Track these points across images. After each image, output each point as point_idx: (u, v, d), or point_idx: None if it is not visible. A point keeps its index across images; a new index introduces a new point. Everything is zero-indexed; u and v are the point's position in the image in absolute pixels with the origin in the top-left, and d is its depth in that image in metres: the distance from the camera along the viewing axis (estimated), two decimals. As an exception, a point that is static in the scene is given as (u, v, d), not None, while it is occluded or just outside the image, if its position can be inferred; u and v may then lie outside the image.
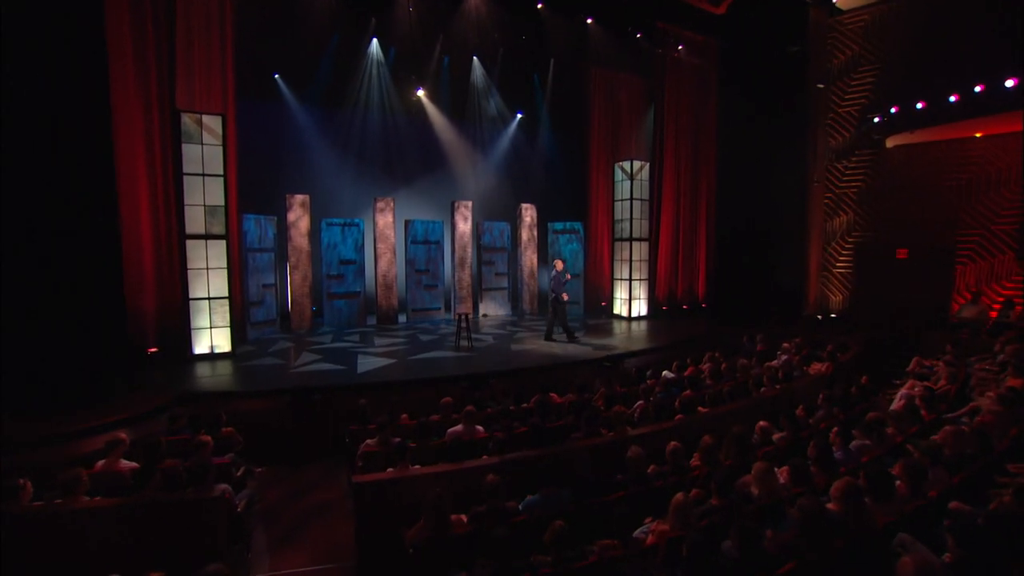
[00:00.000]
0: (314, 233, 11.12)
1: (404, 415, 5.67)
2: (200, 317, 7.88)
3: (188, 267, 7.71)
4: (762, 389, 6.43)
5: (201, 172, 7.74)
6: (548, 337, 9.62)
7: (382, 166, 12.85)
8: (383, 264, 11.61)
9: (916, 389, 6.75)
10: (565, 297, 9.48)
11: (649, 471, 4.10)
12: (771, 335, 9.43)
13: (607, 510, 3.61)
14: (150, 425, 5.15)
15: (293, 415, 5.92)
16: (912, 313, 10.65)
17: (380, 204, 11.55)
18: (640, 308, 12.61)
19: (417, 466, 4.26)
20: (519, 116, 14.40)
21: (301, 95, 11.72)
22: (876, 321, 10.93)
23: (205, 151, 7.75)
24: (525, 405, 6.17)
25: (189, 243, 7.71)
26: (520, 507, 3.57)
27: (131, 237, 7.15)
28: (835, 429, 4.24)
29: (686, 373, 7.45)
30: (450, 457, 4.62)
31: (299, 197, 10.76)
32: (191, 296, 7.77)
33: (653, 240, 13.03)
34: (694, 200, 13.67)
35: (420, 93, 12.84)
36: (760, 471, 3.57)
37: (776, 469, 4.01)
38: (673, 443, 4.21)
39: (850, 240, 11.95)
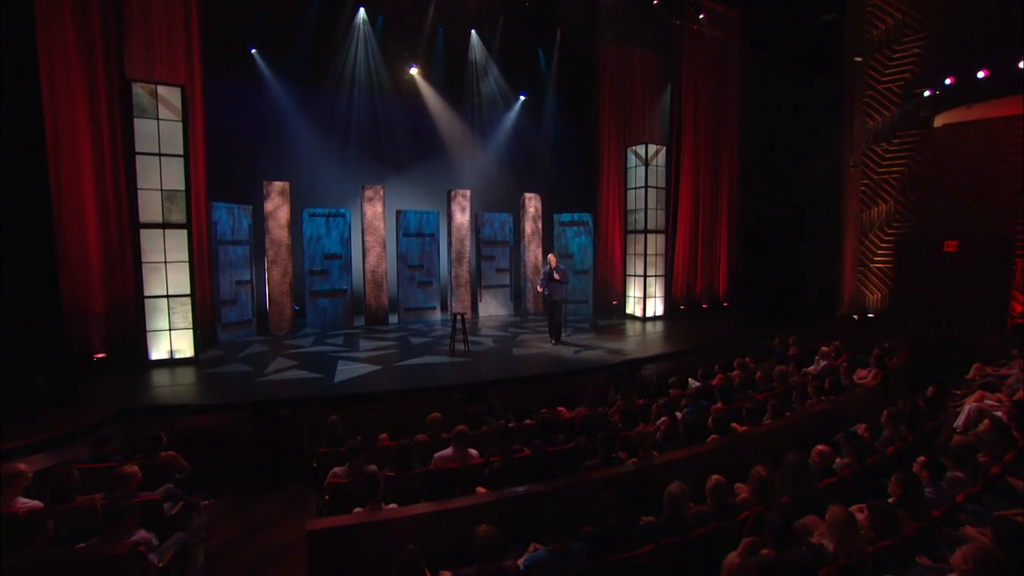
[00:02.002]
0: (295, 224, 10.48)
1: (384, 435, 4.96)
2: (157, 318, 7.18)
3: (143, 260, 7.01)
4: (808, 402, 5.68)
5: (157, 151, 7.02)
6: (558, 339, 9.04)
7: (371, 151, 12.16)
8: (372, 259, 10.95)
9: (988, 402, 6.03)
10: (539, 288, 9.13)
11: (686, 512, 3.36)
12: (804, 337, 8.72)
13: (635, 571, 2.88)
14: (76, 449, 4.44)
15: (254, 433, 5.20)
16: (964, 313, 9.90)
17: (368, 192, 10.88)
18: (656, 307, 11.90)
19: (393, 505, 3.54)
20: (522, 98, 13.65)
21: (280, 71, 11.03)
22: (920, 322, 10.19)
23: (162, 127, 7.03)
24: (528, 421, 5.47)
25: (144, 233, 7.00)
26: (521, 566, 2.84)
27: (73, 224, 6.45)
28: (921, 459, 3.48)
29: (714, 382, 6.75)
30: (435, 492, 3.90)
31: (278, 184, 10.12)
32: (146, 294, 7.07)
33: (670, 232, 12.30)
34: (714, 188, 12.93)
35: (413, 71, 12.11)
36: (838, 520, 2.83)
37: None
38: (715, 477, 3.47)
39: (890, 231, 11.17)
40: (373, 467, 4.06)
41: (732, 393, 5.96)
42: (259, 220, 10.10)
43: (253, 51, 10.80)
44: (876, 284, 11.45)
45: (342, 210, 10.88)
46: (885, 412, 4.71)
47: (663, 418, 5.35)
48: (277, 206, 10.13)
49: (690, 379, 6.92)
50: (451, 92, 12.80)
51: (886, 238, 11.24)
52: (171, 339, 7.28)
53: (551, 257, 9.11)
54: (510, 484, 3.77)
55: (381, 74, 11.82)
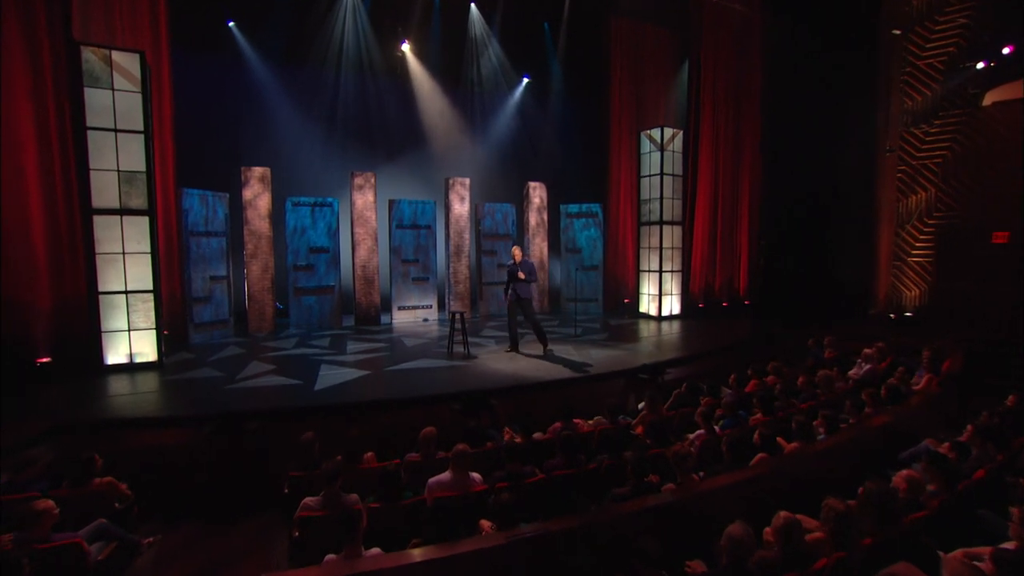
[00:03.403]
0: (277, 214, 9.96)
1: (370, 453, 4.33)
2: (114, 316, 6.54)
3: (96, 251, 6.38)
4: (866, 411, 5.05)
5: (113, 127, 6.39)
6: (514, 347, 8.00)
7: (360, 135, 11.59)
8: (362, 253, 10.38)
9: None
10: (505, 297, 7.93)
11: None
12: (837, 338, 8.13)
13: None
14: (-10, 475, 3.79)
15: (216, 452, 4.56)
16: (1015, 311, 9.26)
17: (358, 180, 10.30)
18: (672, 305, 11.30)
19: (376, 549, 2.91)
20: (526, 80, 13.03)
21: (261, 47, 10.45)
22: (964, 321, 9.56)
23: (118, 99, 6.39)
24: (538, 435, 4.84)
25: (97, 220, 6.37)
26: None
27: (12, 207, 5.78)
28: (1044, 490, 2.84)
29: (747, 389, 6.13)
30: (430, 528, 3.26)
31: (258, 170, 9.58)
32: (101, 289, 6.43)
33: (687, 224, 11.68)
34: (736, 175, 12.33)
35: (405, 47, 11.48)
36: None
37: (944, 555, 2.71)
38: (784, 514, 2.82)
39: (930, 222, 10.55)
40: (354, 497, 3.44)
41: (772, 402, 5.33)
42: (237, 210, 9.54)
43: (231, 24, 10.24)
44: (914, 280, 10.82)
45: (329, 199, 10.30)
46: (970, 427, 4.08)
47: (699, 431, 4.72)
48: (257, 194, 9.55)
49: (722, 386, 6.30)
50: (449, 71, 12.22)
51: (926, 229, 10.61)
52: (130, 341, 6.64)
53: (516, 251, 7.93)
54: (522, 517, 3.15)
55: (372, 51, 11.23)
